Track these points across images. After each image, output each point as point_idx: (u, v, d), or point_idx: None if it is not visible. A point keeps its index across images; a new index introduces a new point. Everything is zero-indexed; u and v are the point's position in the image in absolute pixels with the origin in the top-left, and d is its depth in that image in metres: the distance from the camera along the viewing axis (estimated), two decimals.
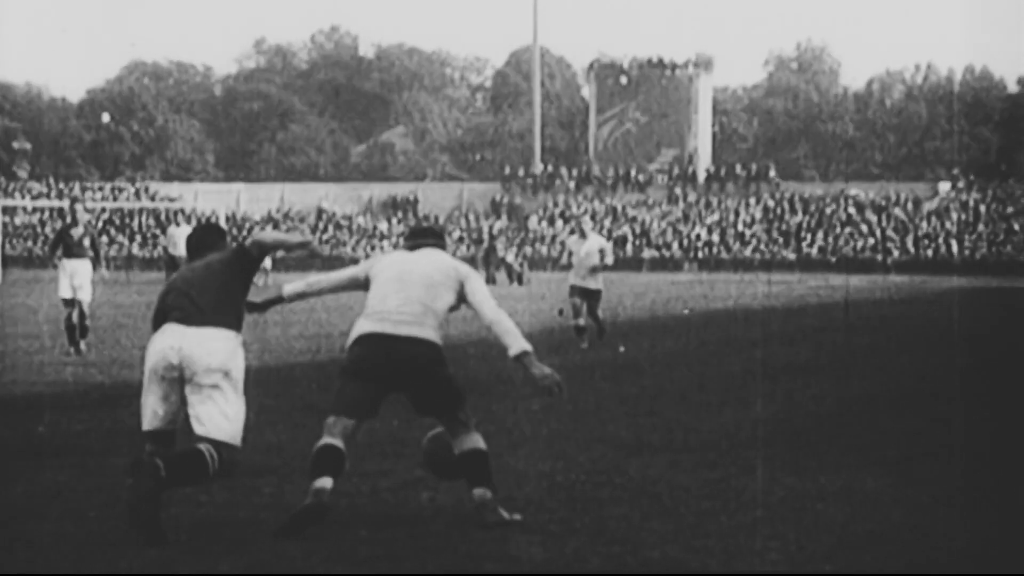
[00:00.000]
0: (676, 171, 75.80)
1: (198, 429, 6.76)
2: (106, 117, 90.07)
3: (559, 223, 70.54)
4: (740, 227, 68.57)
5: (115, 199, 74.18)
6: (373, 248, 68.44)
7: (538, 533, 6.76)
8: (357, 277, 7.47)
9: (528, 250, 62.79)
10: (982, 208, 66.73)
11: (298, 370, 14.76)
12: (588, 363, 15.53)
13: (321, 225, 73.54)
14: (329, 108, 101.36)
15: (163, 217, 68.24)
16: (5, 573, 6.04)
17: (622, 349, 17.62)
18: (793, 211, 69.66)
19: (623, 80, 78.02)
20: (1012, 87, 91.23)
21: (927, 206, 68.56)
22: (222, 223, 54.16)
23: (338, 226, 73.40)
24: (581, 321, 18.24)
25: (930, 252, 63.52)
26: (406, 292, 7.16)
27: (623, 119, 78.08)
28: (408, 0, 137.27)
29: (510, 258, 51.06)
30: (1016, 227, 63.93)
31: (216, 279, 7.02)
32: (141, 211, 72.44)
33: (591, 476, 8.34)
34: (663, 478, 8.28)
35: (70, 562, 6.16)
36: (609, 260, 18.48)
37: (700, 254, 66.52)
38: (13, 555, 6.27)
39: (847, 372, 14.89)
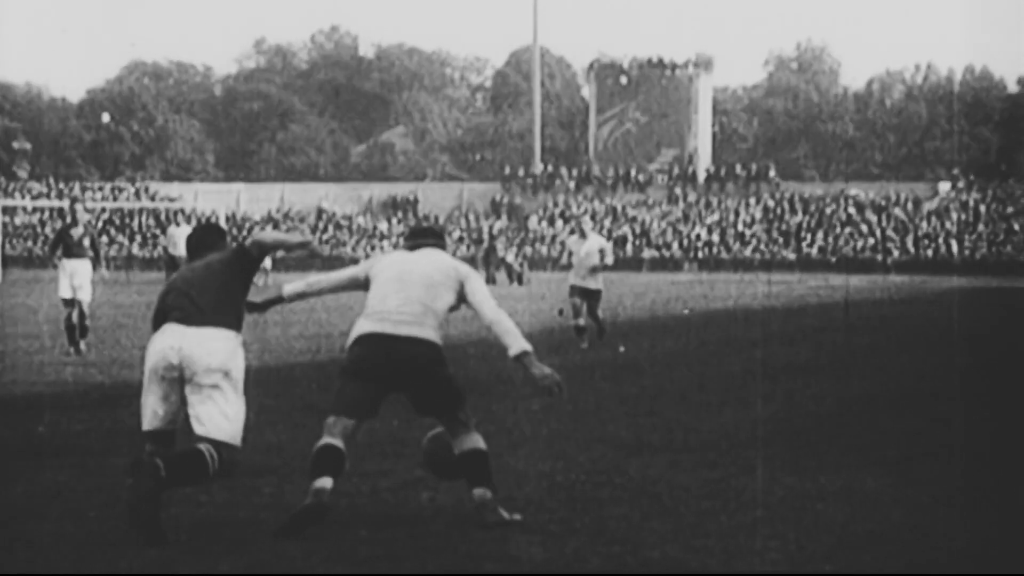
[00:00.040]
0: (676, 171, 75.80)
1: (198, 429, 6.76)
2: (106, 117, 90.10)
3: (559, 223, 70.55)
4: (740, 227, 68.57)
5: (115, 199, 74.20)
6: (373, 248, 68.44)
7: (538, 533, 6.75)
8: (357, 277, 7.47)
9: (528, 250, 62.80)
10: (982, 208, 66.73)
11: (298, 370, 14.76)
12: (588, 363, 15.53)
13: (321, 225, 73.55)
14: (329, 108, 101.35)
15: (163, 217, 68.24)
16: (5, 573, 6.04)
17: (622, 349, 17.62)
18: (793, 211, 69.66)
19: (623, 80, 78.02)
20: (1012, 87, 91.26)
21: (927, 206, 68.57)
22: (222, 223, 54.12)
23: (338, 226, 73.41)
24: (581, 321, 18.24)
25: (930, 252, 63.52)
26: (406, 292, 7.16)
27: (623, 119, 78.08)
28: (408, 0, 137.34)
29: (510, 258, 51.07)
30: (1016, 227, 63.93)
31: (216, 279, 7.02)
32: (141, 211, 72.45)
33: (591, 476, 8.34)
34: (663, 478, 8.28)
35: (70, 562, 6.16)
36: (609, 260, 18.49)
37: (700, 254, 66.52)
38: (13, 555, 6.27)
39: (847, 372, 14.89)
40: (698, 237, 67.88)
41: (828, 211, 68.92)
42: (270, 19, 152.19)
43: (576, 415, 10.94)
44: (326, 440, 6.92)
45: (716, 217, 70.16)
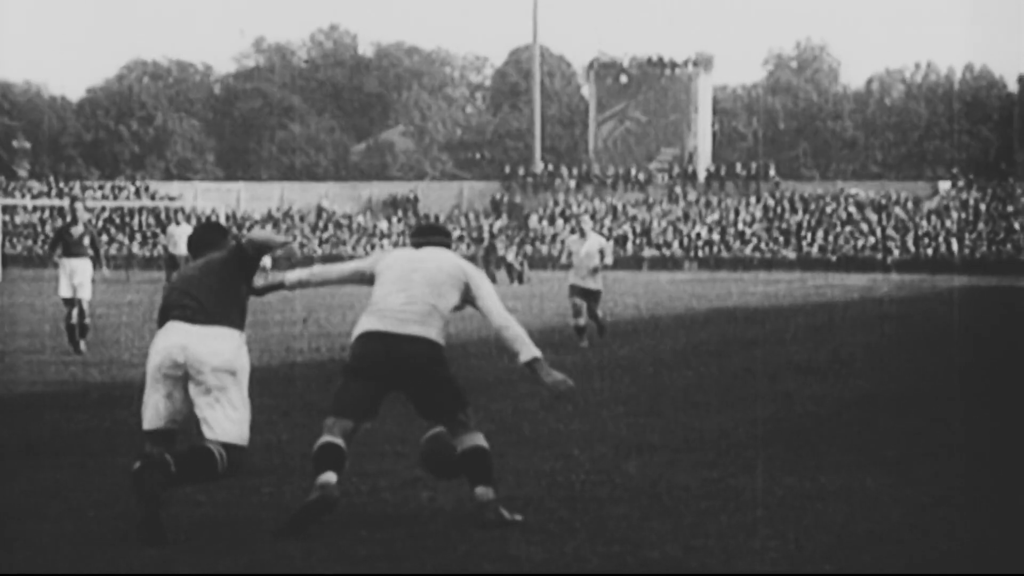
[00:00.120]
0: (676, 170, 75.77)
1: (208, 434, 6.77)
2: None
3: (559, 222, 70.54)
4: (740, 226, 68.56)
5: (115, 198, 74.18)
6: (373, 247, 68.44)
7: (538, 533, 6.75)
8: (362, 271, 7.45)
9: (528, 249, 62.79)
10: (982, 207, 66.72)
11: (298, 370, 14.76)
12: (588, 363, 15.54)
13: (321, 224, 73.56)
14: (329, 107, 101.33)
15: (163, 216, 68.25)
16: (5, 573, 6.04)
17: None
18: (793, 210, 69.65)
19: (623, 79, 77.97)
20: (1012, 86, 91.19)
21: (927, 205, 68.56)
22: (222, 222, 54.06)
23: (338, 225, 73.42)
24: (581, 321, 18.26)
25: (930, 251, 63.52)
26: (411, 291, 7.15)
27: (623, 118, 78.04)
28: (408, 0, 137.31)
29: (510, 257, 51.06)
30: (1016, 226, 63.91)
31: (216, 277, 7.02)
32: (141, 210, 72.45)
33: (591, 476, 8.34)
34: (663, 478, 8.28)
35: (70, 562, 6.16)
36: (609, 260, 18.51)
37: (700, 253, 66.51)
38: (13, 555, 6.27)
39: (847, 372, 14.88)
40: (698, 236, 67.87)
41: (828, 210, 68.90)
42: (270, 18, 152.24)
43: (576, 415, 10.94)
44: (326, 438, 6.93)
45: (716, 216, 70.15)
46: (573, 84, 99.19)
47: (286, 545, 6.46)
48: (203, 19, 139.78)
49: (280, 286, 7.57)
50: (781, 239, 67.20)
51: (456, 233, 69.02)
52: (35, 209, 71.74)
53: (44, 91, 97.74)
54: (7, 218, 65.17)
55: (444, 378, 7.09)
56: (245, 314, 7.08)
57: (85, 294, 17.28)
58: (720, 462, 8.84)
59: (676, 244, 67.58)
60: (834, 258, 63.55)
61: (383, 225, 72.90)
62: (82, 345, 16.85)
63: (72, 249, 17.45)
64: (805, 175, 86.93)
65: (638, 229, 69.41)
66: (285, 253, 7.34)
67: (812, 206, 69.71)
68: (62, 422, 10.55)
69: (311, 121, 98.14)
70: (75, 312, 17.04)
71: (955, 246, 63.21)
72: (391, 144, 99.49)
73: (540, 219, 72.05)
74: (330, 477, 6.79)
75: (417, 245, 7.47)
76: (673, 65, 77.67)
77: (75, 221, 17.72)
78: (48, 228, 66.93)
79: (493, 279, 45.18)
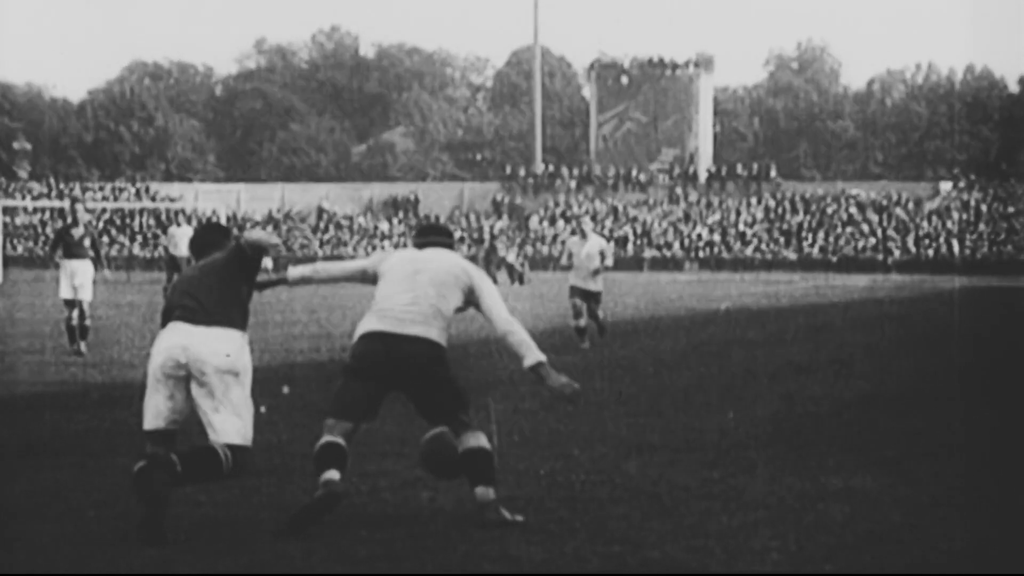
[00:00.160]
0: (677, 171, 75.79)
1: (212, 435, 6.77)
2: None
3: (560, 223, 70.54)
4: (741, 227, 68.58)
5: (116, 199, 74.19)
6: (374, 248, 68.44)
7: (538, 533, 6.75)
8: (365, 270, 7.46)
9: (529, 250, 62.80)
10: (983, 208, 66.72)
11: (298, 370, 14.75)
12: (589, 363, 15.54)
13: (322, 225, 73.57)
14: (330, 108, 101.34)
15: (164, 217, 68.24)
16: (5, 573, 6.03)
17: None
18: (794, 211, 69.65)
19: (624, 80, 77.99)
20: (1013, 86, 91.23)
21: (928, 206, 68.56)
22: (223, 223, 54.06)
23: (339, 226, 73.43)
24: (582, 322, 18.27)
25: (931, 252, 63.51)
26: (414, 291, 7.15)
27: (624, 119, 78.05)
28: (409, 0, 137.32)
29: (511, 258, 51.07)
30: (1017, 226, 63.92)
31: (216, 277, 7.02)
32: (142, 211, 72.45)
33: (591, 476, 8.34)
34: (663, 478, 8.28)
35: (70, 562, 6.16)
36: (609, 261, 18.52)
37: (701, 254, 66.52)
38: (13, 555, 6.27)
39: (847, 372, 14.88)
40: (699, 237, 67.87)
41: (829, 211, 68.91)
42: (270, 19, 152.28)
43: (576, 415, 10.93)
44: (327, 438, 6.94)
45: (717, 217, 70.16)
46: (574, 85, 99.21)
47: (286, 545, 6.46)
48: (204, 20, 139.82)
49: (283, 281, 7.58)
50: (782, 240, 67.20)
51: (457, 234, 69.02)
52: (36, 210, 71.75)
53: (45, 92, 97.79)
54: (8, 219, 65.18)
55: (445, 378, 7.09)
56: (247, 315, 7.08)
57: (86, 295, 17.29)
58: (720, 462, 8.84)
59: (677, 245, 67.59)
60: (835, 259, 63.56)
61: (384, 226, 72.90)
62: (82, 346, 16.86)
63: (73, 250, 17.46)
64: (806, 176, 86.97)
65: (639, 230, 69.42)
66: (273, 254, 7.34)
67: (813, 207, 69.72)
68: (62, 422, 10.55)
69: (312, 122, 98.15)
70: (75, 313, 17.05)
71: (956, 247, 63.21)
72: (392, 145, 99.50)
73: (541, 220, 72.06)
74: (333, 474, 6.80)
75: (420, 246, 7.47)
76: (674, 66, 77.69)
77: (76, 222, 17.72)
78: (49, 229, 66.96)
79: (494, 280, 45.17)
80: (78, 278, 17.35)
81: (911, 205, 68.55)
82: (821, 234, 66.68)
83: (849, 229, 66.63)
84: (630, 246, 66.93)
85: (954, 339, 20.62)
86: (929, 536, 6.75)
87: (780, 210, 69.99)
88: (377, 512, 7.27)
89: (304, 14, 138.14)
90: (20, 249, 65.75)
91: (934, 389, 13.40)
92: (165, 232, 42.86)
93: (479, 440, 7.06)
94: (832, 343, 19.36)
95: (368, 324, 7.16)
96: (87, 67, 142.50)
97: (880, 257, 63.46)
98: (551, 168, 78.47)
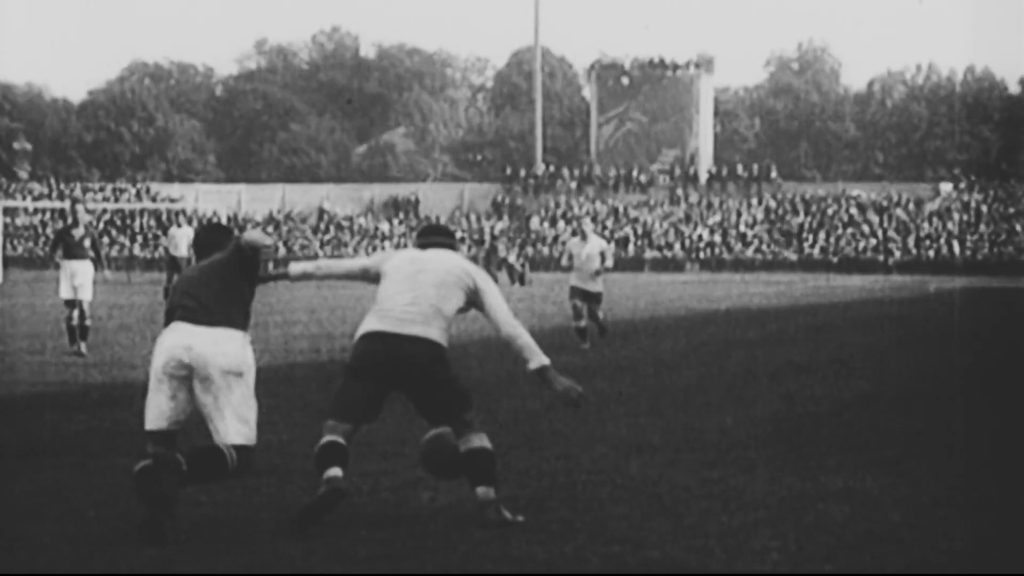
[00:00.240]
0: (678, 171, 75.77)
1: (216, 436, 6.78)
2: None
3: (560, 224, 70.53)
4: (742, 227, 68.56)
5: (116, 200, 74.18)
6: (374, 248, 68.43)
7: (538, 533, 6.75)
8: (367, 269, 7.45)
9: (529, 250, 62.79)
10: (983, 208, 66.71)
11: (298, 370, 14.76)
12: (589, 364, 15.54)
13: (322, 226, 73.56)
14: (330, 108, 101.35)
15: (164, 218, 68.25)
16: (5, 573, 6.03)
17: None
18: (795, 211, 69.64)
19: (624, 80, 77.97)
20: (1013, 87, 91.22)
21: (928, 206, 68.55)
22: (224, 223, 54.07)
23: (339, 227, 73.41)
24: (582, 323, 18.28)
25: (931, 253, 63.50)
26: (415, 291, 7.15)
27: (624, 119, 78.03)
28: (409, 0, 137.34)
29: (511, 259, 51.07)
30: (1018, 227, 63.90)
31: (217, 277, 7.02)
32: (142, 212, 72.44)
33: (591, 476, 8.34)
34: (663, 478, 8.28)
35: (70, 562, 6.16)
36: (610, 262, 18.54)
37: (702, 255, 66.51)
38: (13, 555, 6.27)
39: (847, 372, 14.88)
40: (700, 238, 67.86)
41: (830, 211, 68.90)
42: (271, 19, 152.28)
43: (576, 415, 10.92)
44: (328, 438, 6.94)
45: (718, 218, 70.15)
46: (574, 85, 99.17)
47: (286, 545, 6.46)
48: (204, 20, 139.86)
49: (284, 276, 7.56)
50: (782, 241, 67.19)
51: (457, 235, 68.99)
52: (36, 211, 71.74)
53: (45, 93, 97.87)
54: (8, 220, 65.19)
55: (445, 378, 7.08)
56: (249, 315, 7.08)
57: (86, 296, 17.29)
58: (720, 462, 8.84)
59: (677, 246, 67.58)
60: (835, 260, 63.54)
61: (384, 227, 72.89)
62: (82, 346, 16.86)
63: (73, 251, 17.46)
64: (806, 176, 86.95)
65: (639, 231, 69.40)
66: (264, 256, 7.31)
67: (813, 208, 69.71)
68: (62, 422, 10.55)
69: (312, 122, 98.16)
70: (76, 313, 17.05)
71: (956, 248, 63.20)
72: (392, 145, 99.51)
73: (541, 221, 72.04)
74: (336, 472, 6.81)
75: (422, 246, 7.46)
76: (674, 66, 77.67)
77: (76, 223, 17.72)
78: (49, 230, 66.94)
79: (494, 280, 45.19)
80: (78, 278, 17.35)
81: (912, 206, 68.53)
82: (822, 235, 66.67)
83: (850, 230, 66.62)
84: (631, 247, 66.92)
85: (954, 339, 20.62)
86: (929, 536, 6.75)
87: (781, 211, 69.98)
88: (377, 512, 7.27)
89: (304, 14, 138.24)
90: (20, 249, 65.76)
91: (934, 389, 13.40)
92: (165, 233, 42.88)
93: (481, 440, 7.06)
94: (832, 343, 19.36)
95: (369, 324, 7.16)
96: (87, 67, 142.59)
97: (881, 258, 63.45)
98: (552, 169, 78.44)
